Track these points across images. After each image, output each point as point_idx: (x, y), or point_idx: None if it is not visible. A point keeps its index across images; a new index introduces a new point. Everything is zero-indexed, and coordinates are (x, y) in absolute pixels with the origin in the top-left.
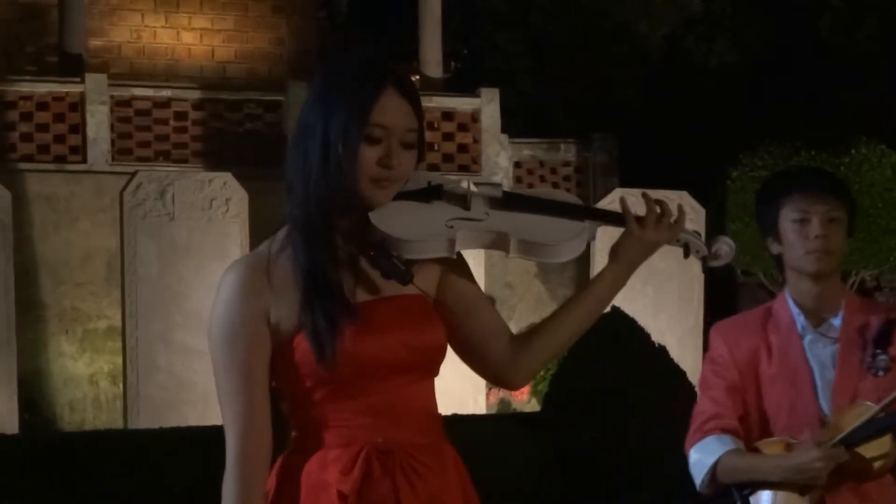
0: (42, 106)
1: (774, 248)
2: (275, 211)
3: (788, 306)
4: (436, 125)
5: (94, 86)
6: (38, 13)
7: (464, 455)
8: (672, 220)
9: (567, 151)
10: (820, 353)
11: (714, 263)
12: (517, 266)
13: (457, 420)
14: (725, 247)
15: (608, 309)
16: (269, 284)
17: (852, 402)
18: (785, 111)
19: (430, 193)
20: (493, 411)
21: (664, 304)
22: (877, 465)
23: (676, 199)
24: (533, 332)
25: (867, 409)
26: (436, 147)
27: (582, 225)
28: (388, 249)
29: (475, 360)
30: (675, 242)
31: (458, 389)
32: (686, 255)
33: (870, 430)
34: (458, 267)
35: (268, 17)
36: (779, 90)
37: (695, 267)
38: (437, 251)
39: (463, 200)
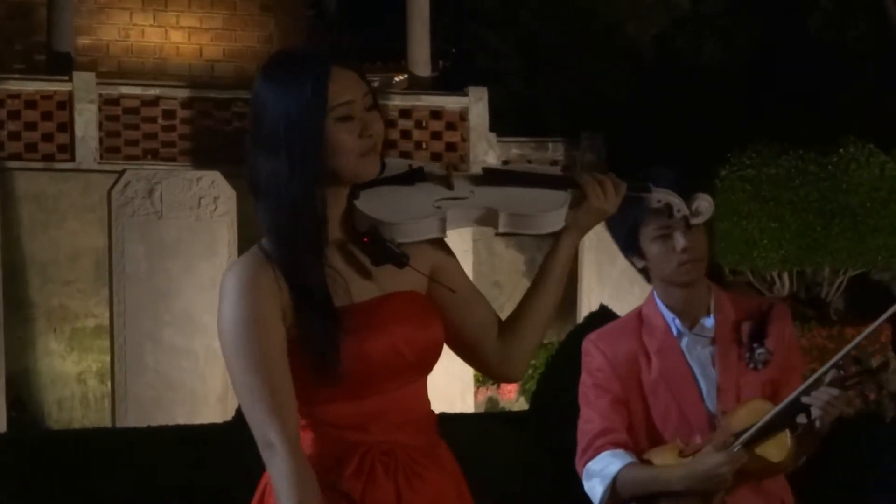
0: (30, 104)
1: (638, 263)
2: None
3: (660, 311)
4: (424, 124)
5: (83, 84)
6: (26, 11)
7: (452, 453)
8: (620, 189)
9: (555, 150)
10: (699, 354)
11: (696, 220)
12: (505, 265)
13: (445, 419)
14: (704, 202)
15: (596, 308)
16: (275, 277)
17: (738, 400)
18: (774, 111)
19: (413, 176)
20: (481, 410)
21: None
22: (780, 459)
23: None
24: (512, 318)
25: (763, 406)
26: (424, 146)
27: (564, 194)
28: (380, 235)
29: (472, 355)
30: (657, 203)
31: (446, 388)
32: (669, 214)
33: (767, 428)
34: (449, 263)
35: (256, 15)
36: (768, 90)
37: None
38: (429, 232)
39: (445, 181)
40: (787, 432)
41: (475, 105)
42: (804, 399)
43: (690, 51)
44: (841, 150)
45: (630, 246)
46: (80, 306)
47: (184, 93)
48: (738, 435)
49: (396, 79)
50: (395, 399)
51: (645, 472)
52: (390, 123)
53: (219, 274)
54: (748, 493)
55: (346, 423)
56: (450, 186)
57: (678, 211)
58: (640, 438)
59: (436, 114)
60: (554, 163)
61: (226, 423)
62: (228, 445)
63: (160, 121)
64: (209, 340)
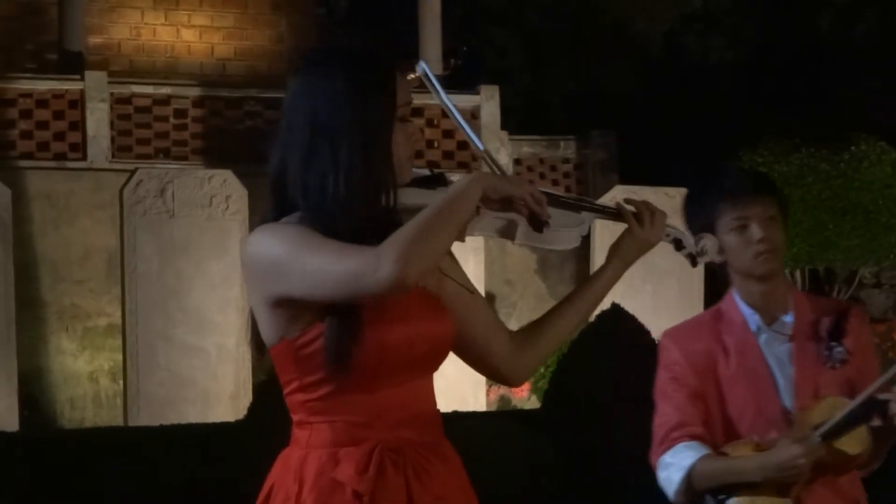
0: (42, 103)
1: (717, 258)
2: None
3: (739, 307)
4: (435, 122)
5: (94, 83)
6: (37, 10)
7: (464, 452)
8: (660, 218)
9: (566, 148)
10: (777, 351)
11: (701, 259)
12: (517, 263)
13: (457, 417)
14: (709, 242)
15: (608, 306)
16: None
17: (814, 398)
18: (784, 108)
19: (435, 181)
20: (494, 408)
21: (664, 301)
22: (857, 454)
23: (676, 196)
24: (534, 327)
25: (840, 402)
26: (435, 144)
27: (580, 216)
28: None
29: (474, 357)
30: (666, 238)
31: (458, 386)
32: (678, 248)
33: (844, 423)
34: (452, 266)
35: (267, 14)
36: (778, 87)
37: None
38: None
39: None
40: (865, 427)
41: (486, 103)
42: (881, 395)
43: (699, 48)
44: (852, 148)
45: None
46: (91, 305)
47: (195, 91)
48: (816, 428)
49: (408, 77)
50: (404, 394)
51: (720, 464)
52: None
53: (230, 272)
54: (825, 492)
55: (356, 416)
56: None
57: (686, 247)
58: (715, 433)
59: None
60: (566, 161)
61: (237, 422)
62: (240, 444)
63: (172, 119)
64: (221, 339)
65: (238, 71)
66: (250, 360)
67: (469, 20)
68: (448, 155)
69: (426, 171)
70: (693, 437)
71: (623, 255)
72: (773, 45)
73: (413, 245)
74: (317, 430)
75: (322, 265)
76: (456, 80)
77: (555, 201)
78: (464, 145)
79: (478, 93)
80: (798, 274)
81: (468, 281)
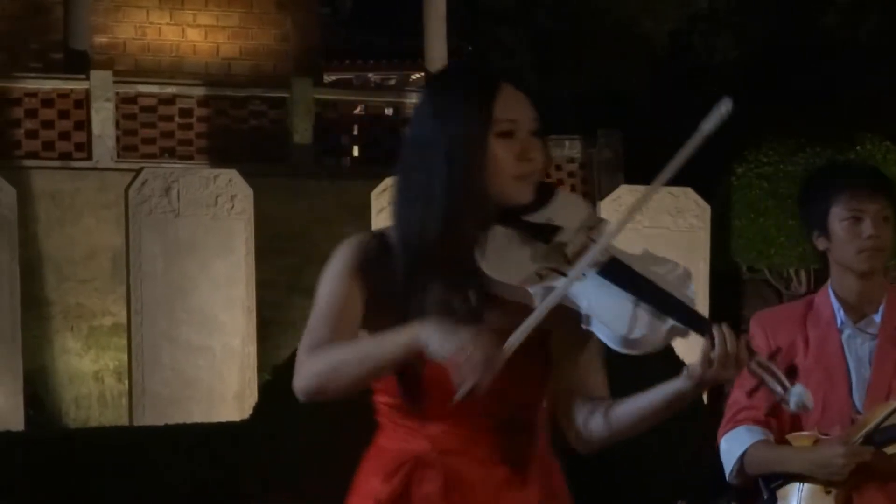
0: (47, 103)
1: (821, 244)
2: (279, 208)
3: (830, 300)
4: None
5: (99, 83)
6: (42, 10)
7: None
8: (739, 361)
9: (572, 148)
10: (858, 349)
11: (789, 408)
12: None
13: None
14: (797, 397)
15: None
16: (363, 276)
17: (886, 400)
18: (789, 107)
19: (543, 232)
20: None
21: None
22: None
23: (681, 196)
24: (605, 409)
25: (892, 407)
26: None
27: (664, 324)
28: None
29: (553, 412)
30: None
31: None
32: (773, 390)
33: (893, 430)
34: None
35: (272, 13)
36: (783, 86)
37: (699, 264)
38: (514, 296)
39: (565, 256)
40: None
41: None
42: None
43: (705, 47)
44: (857, 148)
45: (819, 223)
46: (96, 304)
47: (200, 91)
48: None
49: (413, 76)
50: (458, 429)
51: (771, 452)
52: (407, 121)
53: (236, 272)
54: (878, 495)
55: (407, 429)
56: (569, 261)
57: (780, 396)
58: (784, 421)
59: None
60: (571, 160)
61: (243, 422)
62: (245, 443)
63: (177, 119)
64: (226, 338)
65: (243, 70)
66: (255, 359)
67: (476, 20)
68: None
69: (571, 207)
70: (756, 422)
71: (694, 373)
72: (778, 44)
73: (320, 377)
74: (380, 429)
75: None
76: None
77: (649, 298)
78: None
79: None
80: (803, 273)
81: (588, 339)
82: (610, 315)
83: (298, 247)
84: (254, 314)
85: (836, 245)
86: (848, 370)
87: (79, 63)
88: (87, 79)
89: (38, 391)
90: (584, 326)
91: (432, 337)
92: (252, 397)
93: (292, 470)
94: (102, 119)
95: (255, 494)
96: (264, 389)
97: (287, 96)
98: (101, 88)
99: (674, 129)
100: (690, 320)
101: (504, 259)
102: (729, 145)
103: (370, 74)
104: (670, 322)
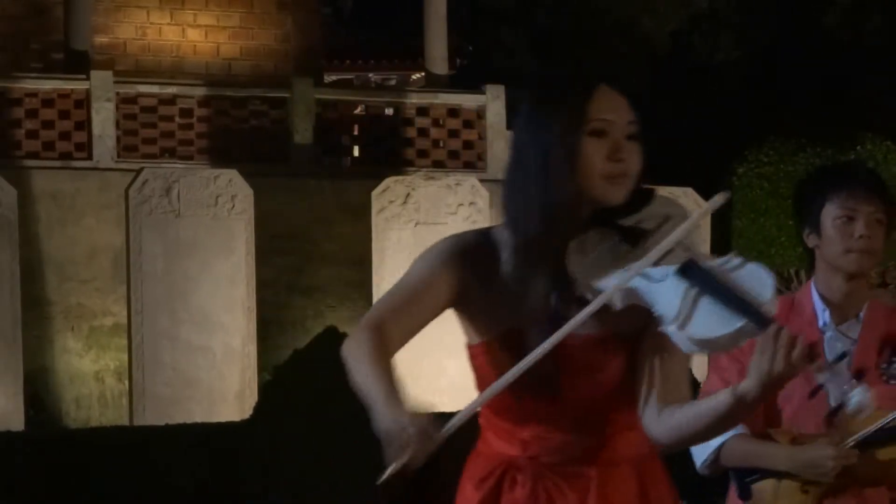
0: (47, 103)
1: (811, 241)
2: (279, 208)
3: (813, 299)
4: (441, 122)
5: (100, 83)
6: (43, 10)
7: (466, 452)
8: (798, 360)
9: None
10: (838, 351)
11: (848, 412)
12: None
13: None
14: (858, 396)
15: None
16: (465, 272)
17: None
18: (790, 107)
19: (631, 235)
20: None
21: None
22: (889, 469)
23: (681, 196)
24: (678, 410)
25: (883, 414)
26: (441, 143)
27: (734, 325)
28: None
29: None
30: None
31: (465, 386)
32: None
33: (884, 436)
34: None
35: (273, 13)
36: (784, 86)
37: None
38: (601, 300)
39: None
40: None
41: (492, 103)
42: None
43: (706, 47)
44: (858, 148)
45: (812, 220)
46: (97, 304)
47: (201, 91)
48: (854, 436)
49: (413, 77)
50: (552, 429)
51: (753, 446)
52: (407, 121)
53: (236, 272)
54: (850, 499)
55: (504, 433)
56: (656, 262)
57: (840, 398)
58: (757, 417)
59: (453, 112)
60: None
61: (243, 421)
62: (246, 443)
63: (177, 119)
64: (227, 338)
65: (244, 70)
66: (256, 359)
67: (478, 20)
68: (453, 154)
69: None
70: None
71: (752, 373)
72: (779, 44)
73: (345, 361)
74: (480, 434)
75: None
76: (463, 80)
77: (716, 293)
78: (469, 145)
79: (483, 92)
80: (804, 273)
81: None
82: (677, 313)
83: (299, 247)
84: (254, 314)
85: (826, 243)
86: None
87: (79, 63)
88: (88, 79)
89: (39, 391)
90: (659, 329)
91: (379, 419)
92: (252, 397)
93: (292, 470)
94: (103, 119)
95: (256, 494)
96: (265, 389)
97: (287, 96)
98: (102, 88)
99: (674, 128)
100: (759, 320)
101: (591, 260)
102: (730, 145)
103: (371, 74)
104: (740, 322)
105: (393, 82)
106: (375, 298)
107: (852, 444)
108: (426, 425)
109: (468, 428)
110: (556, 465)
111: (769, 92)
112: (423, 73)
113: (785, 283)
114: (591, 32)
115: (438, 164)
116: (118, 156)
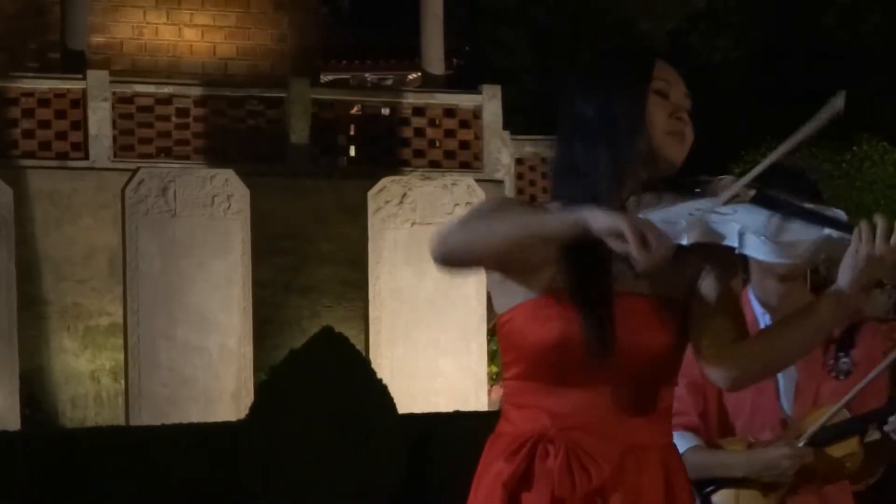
0: (44, 102)
1: None
2: (276, 208)
3: (752, 305)
4: (438, 122)
5: (96, 82)
6: (40, 10)
7: (465, 451)
8: (891, 254)
9: None
10: None
11: None
12: None
13: (459, 416)
14: None
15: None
16: None
17: (814, 405)
18: (788, 107)
19: (692, 185)
20: (496, 407)
21: None
22: (848, 464)
23: None
24: (758, 336)
25: (836, 412)
26: (437, 143)
27: (817, 231)
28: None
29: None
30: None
31: (460, 385)
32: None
33: (837, 432)
34: (722, 271)
35: (270, 13)
36: (782, 86)
37: None
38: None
39: (715, 192)
40: (858, 438)
41: (489, 103)
42: (884, 411)
43: (704, 47)
44: (854, 148)
45: None
46: (93, 304)
47: (197, 91)
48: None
49: (410, 77)
50: (586, 397)
51: (709, 457)
52: (403, 121)
53: (232, 272)
54: (811, 499)
55: (533, 406)
56: (720, 200)
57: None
58: (711, 427)
59: (449, 112)
60: None
61: (239, 421)
62: (242, 443)
63: (174, 119)
64: (223, 338)
65: (240, 70)
66: (252, 359)
67: (475, 20)
68: (450, 154)
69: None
70: (687, 428)
71: (840, 280)
72: (777, 44)
73: (468, 241)
74: (502, 418)
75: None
76: (460, 80)
77: (801, 215)
78: (465, 145)
79: (480, 92)
80: None
81: (727, 288)
82: (760, 225)
83: (295, 246)
84: (250, 314)
85: None
86: (775, 376)
87: (76, 63)
88: (84, 78)
89: (35, 391)
90: (737, 250)
91: (595, 215)
92: (248, 397)
93: (289, 469)
94: (99, 119)
95: (253, 493)
96: (261, 389)
97: (284, 96)
98: (98, 88)
99: None
100: (841, 226)
101: (652, 213)
102: (728, 145)
103: (367, 74)
104: (823, 229)
105: (389, 82)
106: (372, 298)
107: (805, 442)
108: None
109: (471, 433)
110: (588, 433)
111: (767, 91)
112: (419, 74)
113: None
114: (590, 32)
115: (435, 164)
116: (114, 155)
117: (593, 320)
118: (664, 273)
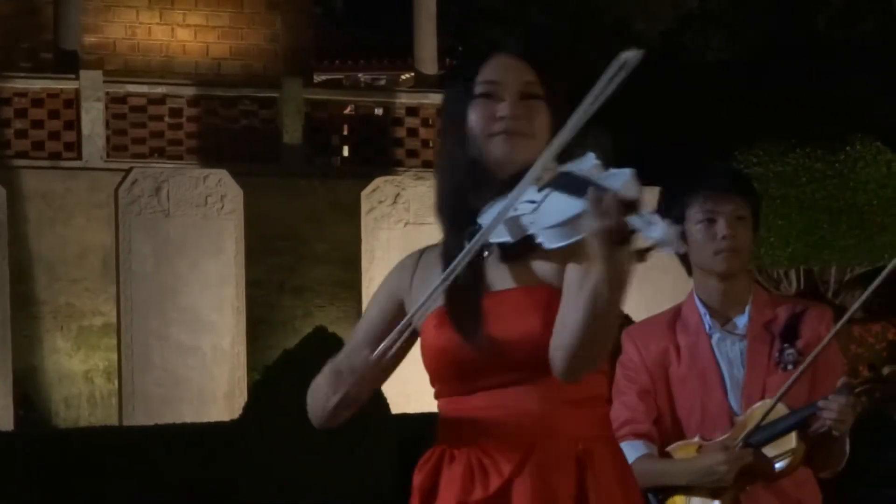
0: (37, 102)
1: (680, 249)
2: (269, 208)
3: (696, 306)
4: (430, 121)
5: (89, 82)
6: (33, 10)
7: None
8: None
9: None
10: (728, 351)
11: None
12: None
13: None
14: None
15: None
16: (412, 271)
17: (762, 399)
18: (781, 107)
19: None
20: None
21: (660, 299)
22: (779, 464)
23: None
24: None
25: (771, 407)
26: (430, 144)
27: (577, 204)
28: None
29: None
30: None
31: None
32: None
33: (774, 430)
34: (575, 257)
35: (262, 13)
36: (775, 86)
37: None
38: (497, 237)
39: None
40: (794, 435)
41: None
42: (819, 404)
43: (698, 47)
44: (848, 148)
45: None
46: (87, 304)
47: (190, 91)
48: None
49: (403, 76)
50: (485, 398)
51: (655, 466)
52: (396, 121)
53: (226, 271)
54: (765, 494)
55: (447, 419)
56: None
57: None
58: (666, 431)
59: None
60: None
61: (232, 421)
62: (235, 443)
63: (167, 119)
64: (216, 338)
65: (233, 70)
66: (245, 359)
67: (469, 20)
68: None
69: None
70: (638, 436)
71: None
72: (770, 44)
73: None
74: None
75: None
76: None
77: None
78: None
79: None
80: (793, 274)
81: (573, 273)
82: (539, 215)
83: (289, 246)
84: (244, 314)
85: (693, 248)
86: (721, 374)
87: (69, 63)
88: (77, 78)
89: (28, 391)
90: (545, 245)
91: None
92: (242, 397)
93: (283, 469)
94: (92, 119)
95: (247, 493)
96: (254, 389)
97: (277, 96)
98: (91, 88)
99: (665, 128)
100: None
101: (492, 208)
102: (720, 145)
103: (360, 74)
104: (583, 204)
105: (383, 82)
106: (365, 298)
107: (740, 443)
108: None
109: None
110: (490, 441)
111: (760, 92)
112: (412, 73)
113: (774, 284)
114: (583, 32)
115: (428, 164)
116: (107, 155)
117: (457, 315)
118: (526, 263)
